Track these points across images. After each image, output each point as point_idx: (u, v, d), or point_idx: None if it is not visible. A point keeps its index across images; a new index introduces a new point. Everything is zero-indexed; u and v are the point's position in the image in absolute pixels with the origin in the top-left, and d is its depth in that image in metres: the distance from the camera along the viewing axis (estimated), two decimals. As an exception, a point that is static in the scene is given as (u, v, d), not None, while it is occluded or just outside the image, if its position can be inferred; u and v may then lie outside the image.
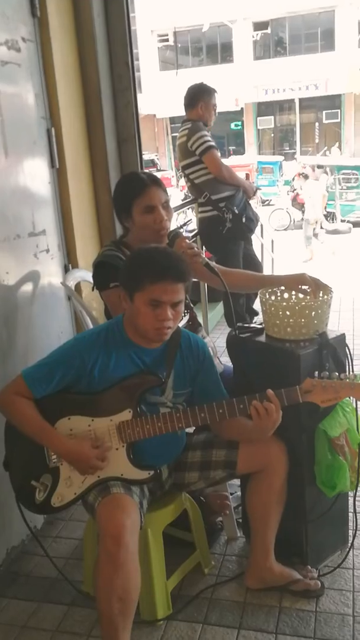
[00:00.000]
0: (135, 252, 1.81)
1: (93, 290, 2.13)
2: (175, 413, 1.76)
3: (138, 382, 1.76)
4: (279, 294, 2.12)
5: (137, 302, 1.70)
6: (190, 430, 2.13)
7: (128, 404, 1.75)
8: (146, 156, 18.42)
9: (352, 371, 1.92)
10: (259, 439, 1.88)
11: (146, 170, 2.64)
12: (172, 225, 2.17)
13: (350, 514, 2.21)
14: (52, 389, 1.76)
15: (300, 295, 2.08)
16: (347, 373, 1.75)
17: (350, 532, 2.21)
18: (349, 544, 2.19)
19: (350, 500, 2.17)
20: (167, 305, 1.69)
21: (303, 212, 12.37)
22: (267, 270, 6.01)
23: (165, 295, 1.69)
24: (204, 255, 2.09)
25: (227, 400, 1.77)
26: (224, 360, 2.34)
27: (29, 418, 1.75)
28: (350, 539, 2.20)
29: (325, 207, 11.95)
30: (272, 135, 26.08)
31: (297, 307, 1.96)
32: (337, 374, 1.74)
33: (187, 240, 2.10)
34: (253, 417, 1.75)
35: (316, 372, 1.75)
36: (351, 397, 1.98)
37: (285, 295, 2.12)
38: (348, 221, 11.47)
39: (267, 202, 14.59)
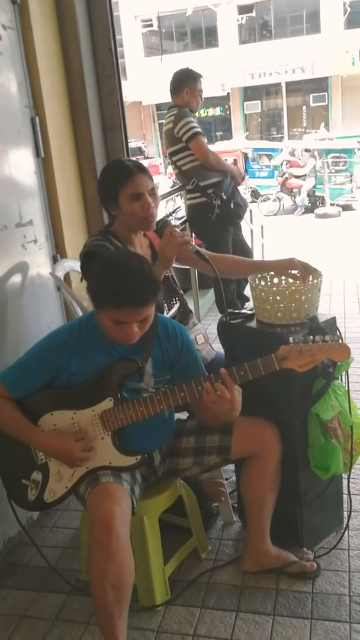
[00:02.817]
0: (103, 268, 1.68)
1: (82, 280, 2.12)
2: (155, 395, 1.76)
3: (116, 369, 1.76)
4: (268, 279, 2.12)
5: (101, 316, 1.68)
6: (183, 416, 2.14)
7: (108, 392, 1.76)
8: (133, 144, 18.29)
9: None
10: (253, 425, 1.89)
11: (132, 158, 2.62)
12: (161, 213, 2.16)
13: (345, 496, 2.23)
14: (30, 387, 1.77)
15: (290, 280, 2.08)
16: (322, 336, 1.72)
17: (345, 514, 2.23)
18: (344, 525, 2.21)
19: (345, 482, 2.19)
20: (132, 323, 1.67)
21: (292, 197, 12.37)
22: (257, 256, 6.00)
23: (129, 318, 1.65)
24: (193, 243, 2.08)
25: (206, 377, 1.77)
26: (215, 347, 2.35)
27: (9, 418, 1.76)
28: (345, 520, 2.22)
29: (314, 192, 11.95)
30: (260, 120, 25.95)
31: (287, 292, 1.96)
32: (311, 337, 1.71)
33: (176, 228, 2.09)
34: (206, 402, 1.72)
35: (290, 338, 1.73)
36: (342, 380, 2.00)
37: (275, 280, 2.12)
38: (337, 205, 11.45)
39: (265, 198, 12.65)
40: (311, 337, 1.71)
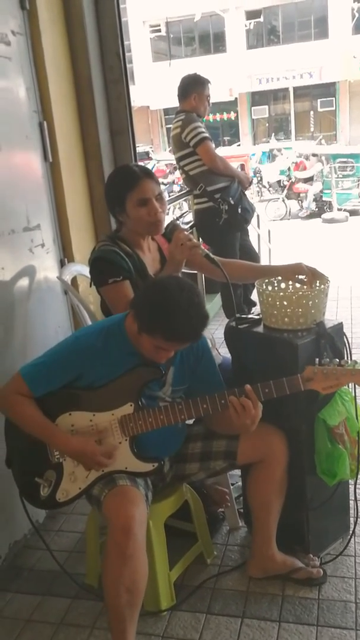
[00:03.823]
0: (163, 299, 1.60)
1: (90, 286, 2.12)
2: (177, 405, 1.76)
3: (138, 375, 1.76)
4: (276, 284, 2.12)
5: (144, 338, 1.67)
6: (190, 421, 2.13)
7: (129, 397, 1.75)
8: (140, 148, 18.33)
9: (351, 359, 1.92)
10: (260, 430, 1.88)
11: (139, 163, 2.63)
12: (167, 218, 2.17)
13: (352, 502, 2.22)
14: (52, 387, 1.76)
15: (298, 285, 2.08)
16: (347, 359, 1.75)
17: (352, 520, 2.22)
18: (351, 532, 2.20)
19: (351, 488, 2.18)
20: (172, 351, 1.71)
21: (299, 201, 12.37)
22: (264, 261, 6.00)
23: (175, 348, 1.70)
24: (202, 247, 2.08)
25: (229, 391, 1.77)
26: (222, 352, 2.34)
27: (31, 418, 1.75)
28: (352, 526, 2.21)
29: (322, 196, 11.93)
30: (267, 124, 25.96)
31: (294, 297, 1.96)
32: (337, 360, 1.75)
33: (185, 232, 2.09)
34: (227, 416, 1.74)
35: (317, 360, 1.75)
36: (349, 385, 1.99)
37: (283, 285, 2.12)
38: (344, 210, 11.43)
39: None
40: (337, 359, 1.74)
